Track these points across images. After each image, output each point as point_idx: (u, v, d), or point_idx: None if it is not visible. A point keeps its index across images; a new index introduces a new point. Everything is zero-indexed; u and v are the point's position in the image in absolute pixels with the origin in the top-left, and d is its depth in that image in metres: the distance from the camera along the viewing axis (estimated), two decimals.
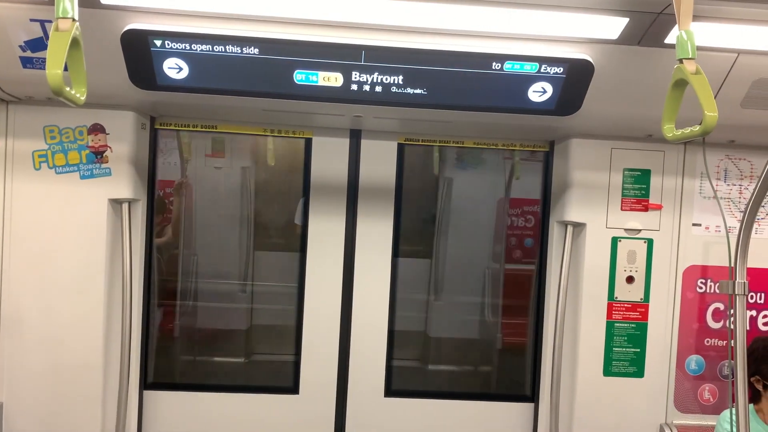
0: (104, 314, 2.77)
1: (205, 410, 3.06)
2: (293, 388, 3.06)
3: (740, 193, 2.95)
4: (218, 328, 3.56)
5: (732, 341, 2.63)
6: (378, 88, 2.40)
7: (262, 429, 3.07)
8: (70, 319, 2.75)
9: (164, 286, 3.25)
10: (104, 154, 2.74)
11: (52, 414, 2.79)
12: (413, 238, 3.69)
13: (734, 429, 2.27)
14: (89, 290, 2.76)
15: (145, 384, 3.02)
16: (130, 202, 2.80)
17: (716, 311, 2.97)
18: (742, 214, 2.36)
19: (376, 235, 3.08)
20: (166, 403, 3.04)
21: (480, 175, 3.80)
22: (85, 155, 2.72)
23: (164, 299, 3.26)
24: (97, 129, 2.72)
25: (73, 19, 1.68)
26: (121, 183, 2.76)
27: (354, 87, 2.39)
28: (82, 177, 2.74)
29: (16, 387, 2.77)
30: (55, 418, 2.79)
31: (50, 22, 2.21)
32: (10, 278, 2.74)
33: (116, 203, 2.79)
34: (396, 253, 3.12)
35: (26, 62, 2.36)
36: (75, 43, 1.71)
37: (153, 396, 3.03)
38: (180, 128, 2.99)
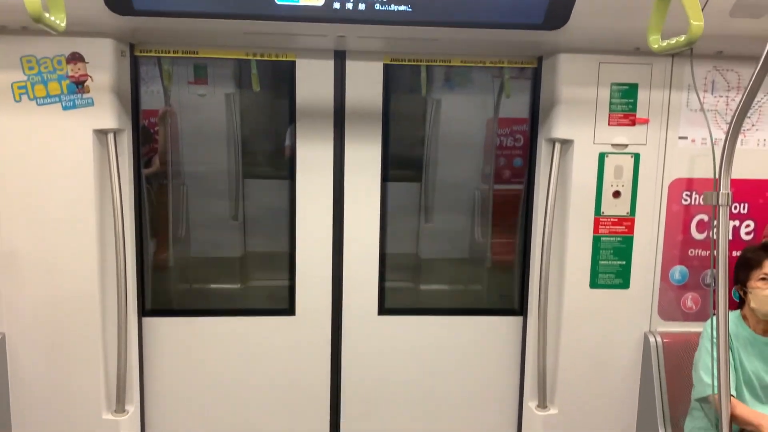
0: (98, 245, 2.80)
1: (204, 334, 3.14)
2: (289, 310, 3.14)
3: (727, 104, 2.95)
4: (212, 257, 3.59)
5: (715, 251, 2.71)
6: (361, 6, 2.34)
7: (261, 350, 3.17)
8: (63, 251, 2.78)
9: (155, 216, 3.26)
10: (85, 84, 2.69)
11: (54, 344, 2.86)
12: (402, 161, 3.69)
13: (714, 333, 2.36)
14: (80, 222, 2.77)
15: (144, 311, 3.09)
16: (115, 132, 2.78)
17: (700, 222, 3.03)
18: (728, 125, 2.37)
19: (365, 159, 3.08)
20: (166, 329, 3.12)
21: (469, 95, 3.76)
22: (65, 85, 2.67)
23: (156, 229, 3.27)
24: (75, 58, 2.66)
25: None
26: (104, 113, 2.72)
27: (336, 5, 2.34)
28: (65, 108, 2.70)
29: (17, 319, 2.83)
30: (58, 348, 2.87)
31: None
32: (2, 211, 2.74)
33: (101, 134, 2.77)
34: (386, 177, 3.14)
35: None
36: None
37: (152, 323, 3.11)
38: (160, 54, 2.93)
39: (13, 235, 2.76)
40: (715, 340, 2.36)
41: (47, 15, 1.66)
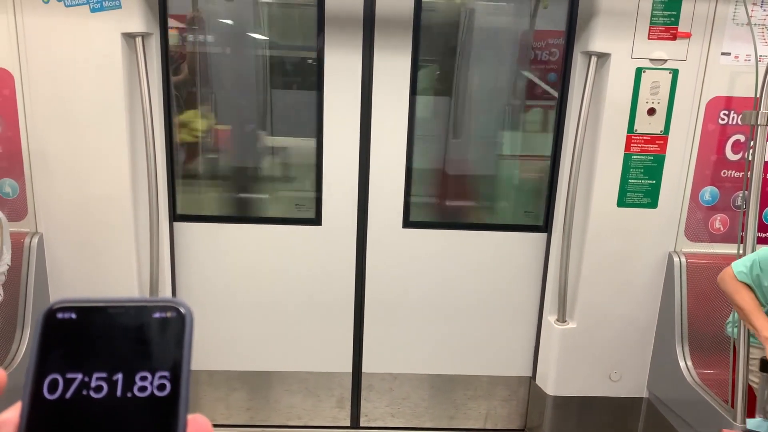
0: (128, 148, 2.85)
1: (233, 240, 3.23)
2: (316, 220, 3.19)
3: None
4: (241, 166, 3.63)
5: (749, 172, 2.66)
6: None
7: (289, 257, 3.25)
8: (94, 153, 2.84)
9: (184, 124, 3.28)
10: None
11: (89, 245, 2.97)
12: (432, 74, 3.61)
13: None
14: (111, 125, 2.81)
15: (175, 216, 3.17)
16: (143, 35, 2.76)
17: (736, 143, 2.95)
18: None
19: (394, 70, 3.03)
20: (196, 233, 3.20)
21: (504, 4, 3.62)
22: None
23: (185, 137, 3.30)
24: None
25: None
26: (132, 16, 2.70)
27: None
28: (92, 10, 2.68)
29: (52, 218, 2.93)
30: (92, 249, 2.97)
31: None
32: (32, 115, 2.79)
33: (129, 37, 2.75)
34: (414, 90, 3.09)
35: None
36: None
37: (182, 227, 3.19)
38: None
39: (44, 137, 2.82)
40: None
41: None
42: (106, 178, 2.87)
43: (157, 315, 0.42)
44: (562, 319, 3.19)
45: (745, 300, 2.35)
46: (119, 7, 2.68)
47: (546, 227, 3.26)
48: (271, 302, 3.32)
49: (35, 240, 2.90)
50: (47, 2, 2.66)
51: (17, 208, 2.91)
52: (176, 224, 3.17)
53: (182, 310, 0.43)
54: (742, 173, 2.95)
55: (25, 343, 2.83)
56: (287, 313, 3.34)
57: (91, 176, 2.87)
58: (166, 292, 3.15)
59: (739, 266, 2.41)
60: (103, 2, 2.66)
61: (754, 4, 2.78)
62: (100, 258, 2.99)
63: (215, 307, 3.31)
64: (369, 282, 3.31)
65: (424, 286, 3.33)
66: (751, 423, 2.38)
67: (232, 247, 3.24)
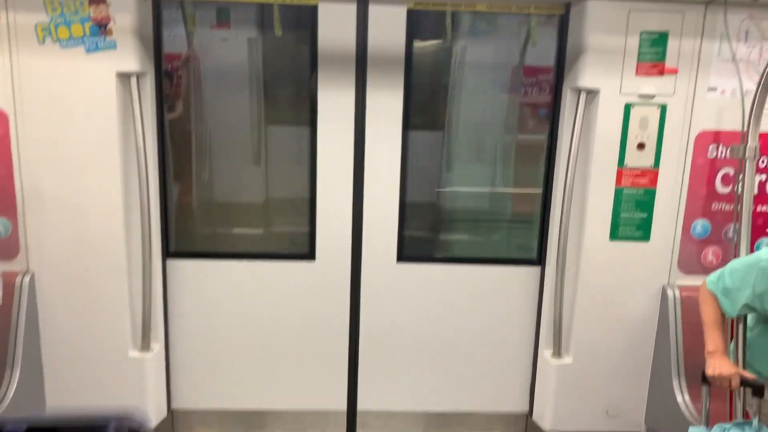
0: (122, 187, 2.85)
1: (226, 277, 3.21)
2: (310, 255, 3.19)
3: (760, 55, 2.86)
4: (235, 201, 3.63)
5: (739, 205, 2.68)
6: None
7: (282, 293, 3.24)
8: (89, 192, 2.84)
9: (179, 160, 3.29)
10: (108, 27, 2.69)
11: (81, 283, 2.95)
12: (425, 109, 3.65)
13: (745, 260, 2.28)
14: (105, 164, 2.82)
15: (168, 253, 3.16)
16: (138, 75, 2.79)
17: (726, 176, 2.98)
18: (760, 76, 2.31)
19: (387, 107, 3.06)
20: (189, 270, 3.19)
21: (494, 42, 3.68)
22: (88, 27, 2.68)
23: (180, 173, 3.31)
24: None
25: None
26: (127, 56, 2.73)
27: None
28: (88, 51, 2.71)
29: (45, 258, 2.91)
30: (84, 287, 2.96)
31: None
32: (26, 154, 2.80)
33: (124, 77, 2.78)
34: (407, 125, 3.12)
35: None
36: None
37: (176, 264, 3.18)
38: None
39: (39, 176, 2.82)
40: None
41: None
42: (100, 216, 2.87)
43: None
44: (557, 353, 3.17)
45: (707, 313, 2.39)
46: (115, 47, 2.71)
47: (540, 261, 3.27)
48: (265, 339, 3.29)
49: (26, 279, 2.88)
50: (43, 43, 2.69)
51: (9, 247, 2.90)
52: (169, 261, 3.16)
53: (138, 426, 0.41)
54: (732, 206, 2.97)
55: (14, 384, 2.78)
56: (281, 350, 3.31)
57: (85, 214, 2.87)
58: (158, 329, 3.13)
59: (710, 276, 2.45)
60: (99, 43, 2.70)
61: (738, 40, 2.84)
62: (92, 296, 2.97)
63: (208, 344, 3.28)
64: (363, 317, 3.29)
65: (419, 321, 3.31)
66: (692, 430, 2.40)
67: (225, 283, 3.22)
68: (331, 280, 3.23)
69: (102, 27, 2.68)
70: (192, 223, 3.48)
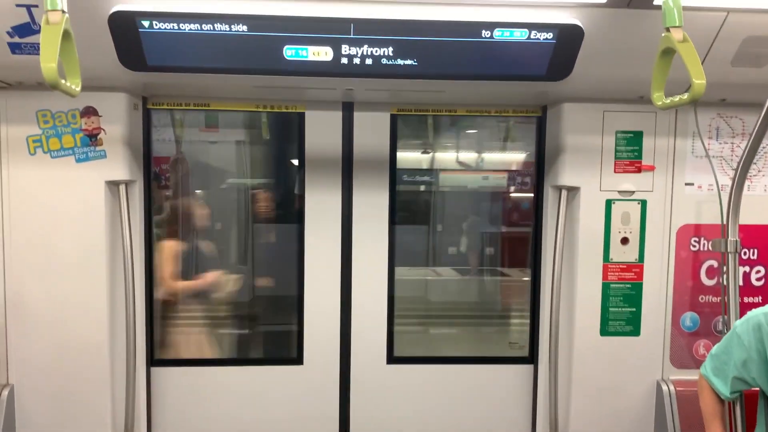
0: (107, 295, 2.82)
1: (212, 384, 3.13)
2: (297, 359, 3.13)
3: (732, 151, 2.97)
4: (222, 301, 3.60)
5: (725, 297, 2.69)
6: (368, 61, 2.39)
7: (269, 400, 3.15)
8: (73, 301, 2.80)
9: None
10: (98, 137, 2.74)
11: (62, 394, 2.85)
12: (410, 205, 3.72)
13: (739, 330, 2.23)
14: (91, 272, 2.79)
15: (152, 361, 3.08)
16: (126, 183, 2.82)
17: (710, 268, 3.02)
18: (734, 171, 2.38)
19: (373, 206, 3.10)
20: (174, 379, 3.10)
21: (474, 141, 3.81)
22: (79, 138, 2.73)
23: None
24: (89, 112, 2.73)
25: (63, 11, 1.69)
26: (116, 165, 2.78)
27: (344, 60, 2.39)
28: (78, 160, 2.75)
29: (26, 369, 2.83)
30: (65, 398, 2.86)
31: (36, 6, 2.21)
32: (12, 263, 2.77)
33: (113, 185, 2.81)
34: (393, 222, 3.15)
35: (15, 48, 2.34)
36: (66, 35, 1.72)
37: (160, 372, 3.10)
38: (172, 107, 2.99)
39: (23, 285, 2.79)
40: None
41: (64, 81, 1.71)
42: (84, 325, 2.81)
43: None
44: None
45: (705, 403, 2.31)
46: (104, 157, 2.75)
47: (532, 359, 3.22)
48: None
49: (5, 392, 2.78)
50: (34, 154, 2.73)
51: None
52: (153, 369, 3.08)
53: None
54: (719, 298, 2.99)
55: None
56: None
57: (69, 323, 2.81)
58: None
59: (704, 362, 2.40)
60: (89, 153, 2.74)
61: (709, 138, 2.95)
62: (73, 408, 2.86)
63: None
64: (354, 421, 3.19)
65: (412, 424, 3.21)
66: None
67: (211, 390, 3.13)
68: (319, 385, 3.15)
69: (92, 137, 2.74)
70: (177, 325, 3.42)
